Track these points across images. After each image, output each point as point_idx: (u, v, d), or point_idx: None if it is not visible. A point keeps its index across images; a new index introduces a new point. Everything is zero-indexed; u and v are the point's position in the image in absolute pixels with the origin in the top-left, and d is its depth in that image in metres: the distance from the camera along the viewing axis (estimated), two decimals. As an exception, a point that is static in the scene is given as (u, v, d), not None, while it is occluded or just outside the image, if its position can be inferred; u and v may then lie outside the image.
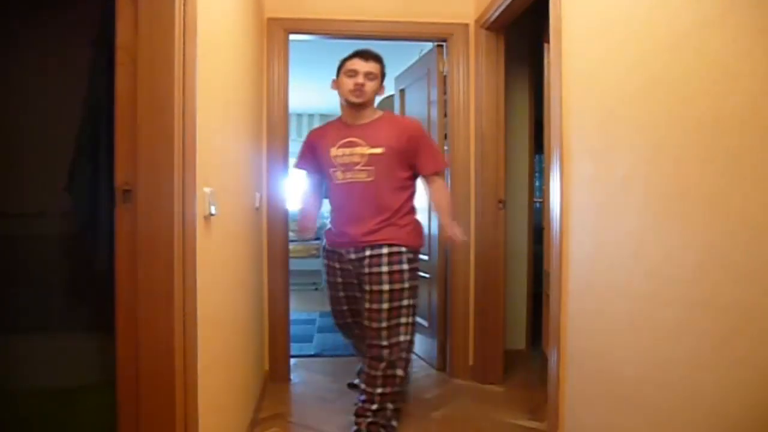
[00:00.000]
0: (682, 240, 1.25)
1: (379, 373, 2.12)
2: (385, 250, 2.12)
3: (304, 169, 2.42)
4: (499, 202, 2.84)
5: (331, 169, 2.22)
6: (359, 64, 2.18)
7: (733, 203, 1.09)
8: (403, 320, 2.14)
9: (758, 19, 1.04)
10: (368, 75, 2.18)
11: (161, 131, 1.22)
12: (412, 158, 2.21)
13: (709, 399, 1.17)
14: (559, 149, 1.90)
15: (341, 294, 2.35)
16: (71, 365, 1.93)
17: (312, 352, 3.41)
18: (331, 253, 2.32)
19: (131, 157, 1.22)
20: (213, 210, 1.54)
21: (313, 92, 5.63)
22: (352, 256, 2.19)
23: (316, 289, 5.76)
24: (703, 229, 1.18)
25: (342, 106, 2.28)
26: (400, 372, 2.15)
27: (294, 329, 3.10)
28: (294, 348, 3.05)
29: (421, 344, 3.17)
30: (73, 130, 1.83)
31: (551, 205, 2.00)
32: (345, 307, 2.37)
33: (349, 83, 2.17)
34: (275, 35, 2.82)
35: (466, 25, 2.87)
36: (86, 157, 1.78)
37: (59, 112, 2.05)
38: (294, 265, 3.39)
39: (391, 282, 2.11)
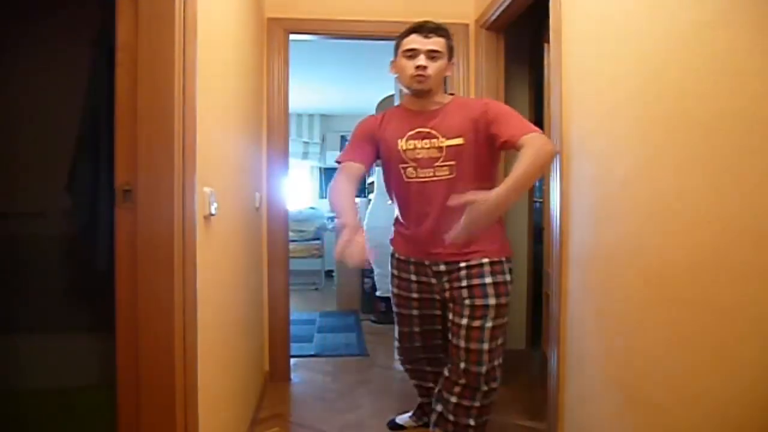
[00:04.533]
0: (682, 240, 1.25)
1: (477, 403, 1.82)
2: (486, 260, 1.80)
3: (352, 160, 1.89)
4: (499, 202, 2.84)
5: (401, 165, 1.85)
6: (419, 42, 1.77)
7: (734, 203, 1.09)
8: (500, 341, 1.82)
9: (759, 18, 1.04)
10: (431, 54, 1.78)
11: (161, 131, 1.22)
12: (493, 132, 1.74)
13: (709, 399, 1.17)
14: (559, 149, 1.90)
15: (414, 313, 1.98)
16: (71, 365, 1.93)
17: (312, 352, 3.41)
18: (403, 264, 1.97)
19: (131, 157, 1.22)
20: (213, 210, 1.54)
21: (313, 92, 5.63)
22: (442, 267, 1.86)
23: (317, 289, 5.77)
24: (704, 230, 1.18)
25: (401, 93, 1.92)
26: (495, 396, 1.87)
27: (294, 329, 3.10)
28: (294, 348, 3.05)
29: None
30: (73, 130, 1.83)
31: (551, 205, 2.00)
32: (417, 329, 2.01)
33: (409, 66, 1.79)
34: (275, 35, 2.82)
35: (466, 25, 2.87)
36: (86, 157, 1.79)
37: (59, 112, 2.06)
38: (294, 265, 3.39)
39: (497, 295, 1.79)
